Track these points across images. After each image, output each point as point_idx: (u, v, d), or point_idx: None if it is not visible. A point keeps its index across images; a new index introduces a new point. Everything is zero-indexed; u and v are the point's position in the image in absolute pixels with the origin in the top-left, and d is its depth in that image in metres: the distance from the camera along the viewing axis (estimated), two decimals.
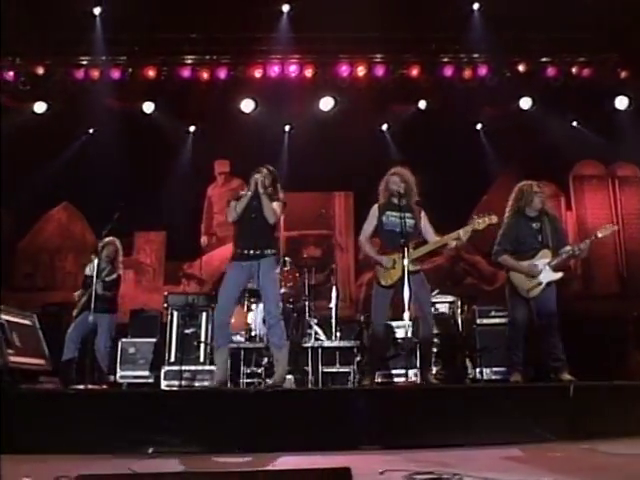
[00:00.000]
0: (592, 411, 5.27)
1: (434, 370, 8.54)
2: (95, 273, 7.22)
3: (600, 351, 9.17)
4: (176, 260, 10.70)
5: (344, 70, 11.00)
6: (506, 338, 6.84)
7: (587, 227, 10.96)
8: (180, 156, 10.88)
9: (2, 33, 10.50)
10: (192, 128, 11.33)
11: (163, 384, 7.65)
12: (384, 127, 11.64)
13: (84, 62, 11.00)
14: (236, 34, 10.79)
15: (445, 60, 11.13)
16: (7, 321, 7.05)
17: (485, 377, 8.41)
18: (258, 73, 10.98)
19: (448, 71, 11.07)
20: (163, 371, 7.69)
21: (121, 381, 8.28)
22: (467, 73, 11.07)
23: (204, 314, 7.99)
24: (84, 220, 11.18)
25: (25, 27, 10.40)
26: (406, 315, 5.81)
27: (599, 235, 6.45)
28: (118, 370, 8.48)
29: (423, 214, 6.42)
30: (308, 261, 9.14)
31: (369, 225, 6.41)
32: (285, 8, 10.73)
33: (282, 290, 8.41)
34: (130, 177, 10.58)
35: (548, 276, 6.43)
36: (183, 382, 7.38)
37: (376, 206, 6.43)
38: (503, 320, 8.64)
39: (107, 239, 7.87)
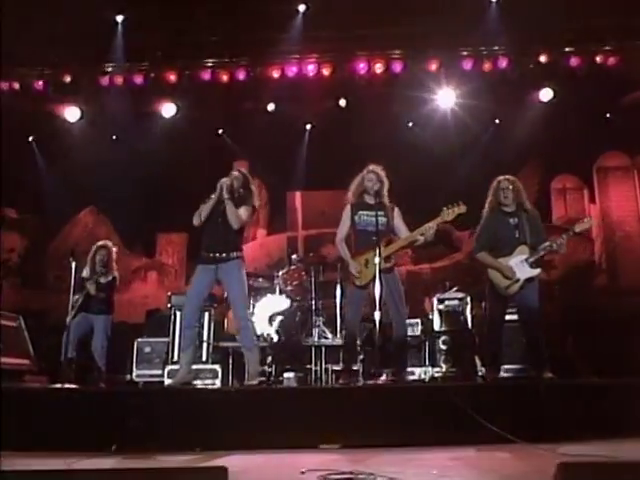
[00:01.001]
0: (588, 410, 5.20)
1: (444, 368, 8.55)
2: (88, 275, 7.49)
3: (626, 348, 8.98)
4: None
5: (362, 67, 10.98)
6: (484, 336, 6.75)
7: (612, 220, 10.69)
8: (201, 158, 11.03)
9: (27, 43, 10.99)
10: (213, 130, 11.45)
11: (167, 382, 7.81)
12: (410, 124, 11.55)
13: (109, 69, 11.30)
14: (253, 35, 10.91)
15: (464, 54, 10.99)
16: None
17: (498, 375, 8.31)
18: (276, 73, 11.06)
19: (467, 64, 10.93)
20: (167, 370, 7.85)
21: (137, 380, 8.53)
22: (487, 66, 10.91)
23: (206, 314, 8.12)
24: (109, 223, 11.50)
25: (51, 37, 10.78)
26: (377, 314, 5.81)
27: (577, 230, 6.34)
28: (134, 369, 8.74)
29: (396, 212, 6.44)
30: (315, 259, 9.18)
31: (343, 226, 6.47)
32: (301, 8, 10.82)
33: (288, 288, 8.52)
34: (152, 180, 10.84)
35: (526, 272, 6.33)
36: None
37: (349, 206, 6.47)
38: (515, 317, 8.56)
39: (100, 242, 8.12)
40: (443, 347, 8.54)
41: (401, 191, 10.44)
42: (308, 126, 11.50)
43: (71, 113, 11.48)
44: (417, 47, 10.97)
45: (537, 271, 6.37)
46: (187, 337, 6.20)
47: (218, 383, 7.69)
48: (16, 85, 11.45)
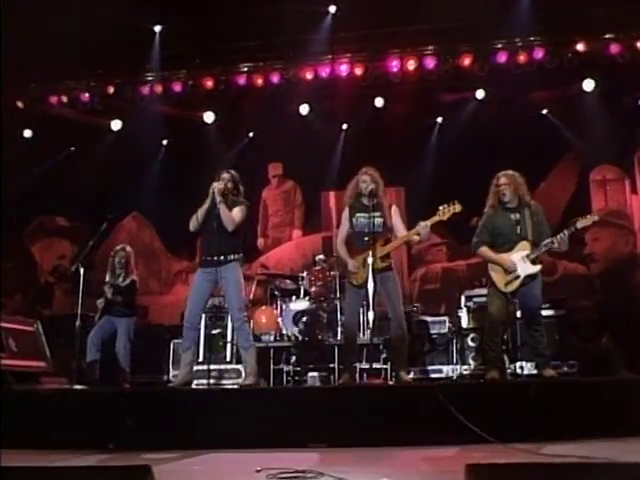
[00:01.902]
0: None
1: (472, 365, 8.47)
2: (108, 280, 7.76)
3: None
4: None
5: (394, 65, 10.96)
6: (483, 333, 6.68)
7: None
8: (237, 161, 11.23)
9: (73, 58, 11.45)
10: (250, 133, 11.64)
11: (193, 383, 8.00)
12: (439, 120, 11.46)
13: (149, 78, 11.64)
14: (286, 39, 11.04)
15: (498, 46, 10.83)
16: (3, 327, 7.65)
17: (526, 372, 8.21)
18: (310, 75, 11.17)
19: (502, 57, 10.76)
20: (178, 373, 8.03)
21: (172, 380, 8.78)
22: (522, 58, 10.71)
23: (229, 315, 8.24)
24: (152, 228, 11.84)
25: (93, 50, 11.19)
26: (371, 314, 5.86)
27: (579, 226, 6.20)
28: (170, 370, 9.01)
29: (394, 211, 6.47)
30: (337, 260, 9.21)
31: (342, 228, 6.58)
32: (332, 9, 10.89)
33: (313, 289, 8.61)
34: (192, 184, 11.07)
35: (526, 269, 6.22)
36: (211, 380, 7.70)
37: (347, 209, 6.55)
38: (546, 313, 8.42)
39: (118, 246, 8.36)
40: (472, 344, 8.47)
41: (438, 186, 10.56)
42: (344, 126, 11.50)
43: (115, 122, 11.84)
44: (450, 42, 10.90)
45: (538, 268, 6.26)
46: (188, 338, 6.38)
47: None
48: (64, 98, 11.94)
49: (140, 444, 5.13)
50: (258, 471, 3.73)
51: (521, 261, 6.21)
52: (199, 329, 6.85)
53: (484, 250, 6.42)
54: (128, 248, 8.40)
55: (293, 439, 4.98)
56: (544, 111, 10.97)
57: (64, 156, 12.06)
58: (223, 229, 6.16)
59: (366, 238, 6.23)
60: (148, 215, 11.89)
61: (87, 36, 10.64)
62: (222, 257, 6.17)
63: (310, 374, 7.93)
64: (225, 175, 6.44)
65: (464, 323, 8.57)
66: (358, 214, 6.40)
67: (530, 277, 6.23)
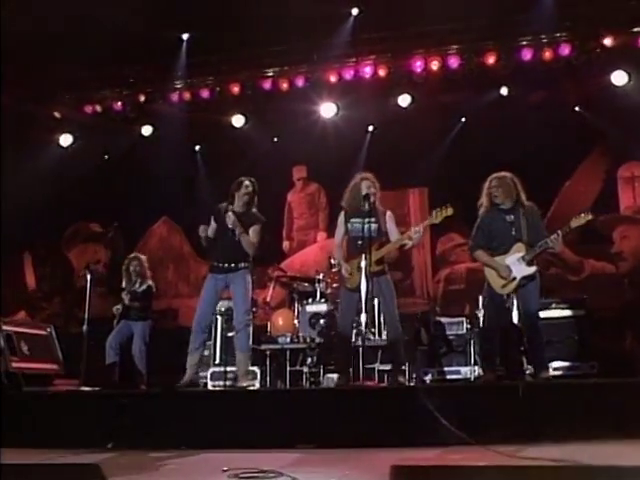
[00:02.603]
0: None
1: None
2: (124, 287, 8.02)
3: None
4: (263, 265, 11.20)
5: (418, 65, 10.94)
6: (478, 336, 6.64)
7: None
8: (263, 164, 11.34)
9: (106, 68, 11.79)
10: (274, 136, 11.75)
11: (209, 384, 8.19)
12: (463, 119, 11.36)
13: (178, 85, 11.88)
14: (310, 42, 11.13)
15: (523, 43, 10.70)
16: (15, 332, 7.92)
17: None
18: (334, 77, 11.23)
19: (527, 55, 10.63)
20: (209, 372, 8.22)
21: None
22: (548, 54, 10.56)
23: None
24: (182, 232, 12.06)
25: (124, 59, 11.50)
26: (363, 317, 5.91)
27: (572, 225, 6.13)
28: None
29: (389, 216, 6.56)
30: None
31: (338, 233, 6.69)
32: (354, 11, 10.94)
33: (328, 291, 8.69)
34: (219, 188, 11.27)
35: (522, 271, 6.17)
36: (227, 382, 7.83)
37: (342, 214, 6.65)
38: (565, 313, 8.33)
39: (132, 255, 8.61)
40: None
41: (461, 186, 10.47)
42: (370, 127, 11.52)
43: (146, 129, 12.11)
44: (473, 41, 10.83)
45: (533, 269, 6.21)
46: (197, 340, 6.67)
47: (257, 384, 7.95)
48: (98, 107, 12.28)
49: (141, 444, 5.31)
50: (225, 471, 3.83)
51: (517, 263, 6.18)
52: (208, 332, 7.04)
53: (480, 254, 6.42)
54: (141, 256, 8.77)
55: (283, 439, 5.07)
56: (572, 108, 10.69)
57: (98, 163, 12.30)
58: (234, 238, 6.48)
59: (360, 242, 6.26)
60: (178, 220, 12.12)
61: (118, 46, 11.00)
62: (233, 264, 6.51)
63: (328, 375, 7.99)
64: (242, 191, 6.84)
65: (482, 324, 8.47)
66: (353, 219, 6.49)
67: (526, 278, 6.19)
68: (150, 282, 8.57)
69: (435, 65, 10.85)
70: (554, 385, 5.82)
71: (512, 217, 6.25)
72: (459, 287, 10.48)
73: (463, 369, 8.41)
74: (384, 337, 8.50)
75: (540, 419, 5.01)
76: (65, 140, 12.55)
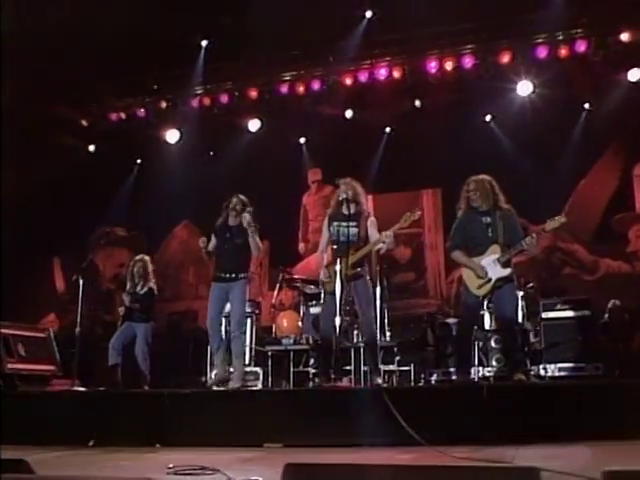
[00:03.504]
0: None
1: (496, 367, 8.35)
2: (127, 289, 8.27)
3: None
4: (279, 267, 11.33)
5: (433, 66, 10.93)
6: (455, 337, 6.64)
7: None
8: (280, 168, 11.48)
9: (129, 76, 12.08)
10: (290, 141, 11.87)
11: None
12: (487, 118, 11.28)
13: (198, 91, 12.11)
14: (325, 46, 11.23)
15: (538, 41, 10.59)
16: (12, 335, 8.21)
17: (549, 374, 8.04)
18: (349, 80, 11.30)
19: (542, 52, 10.53)
20: (213, 373, 8.35)
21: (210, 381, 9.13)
22: (564, 52, 10.44)
23: (249, 319, 8.49)
24: (201, 236, 12.20)
25: (146, 67, 11.78)
26: (337, 320, 5.97)
27: (547, 228, 6.11)
28: (208, 372, 9.35)
29: (370, 221, 6.58)
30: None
31: (323, 237, 6.79)
32: (368, 14, 10.99)
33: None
34: (238, 190, 11.45)
35: (497, 272, 6.13)
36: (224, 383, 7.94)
37: (326, 218, 6.76)
38: (571, 314, 8.24)
39: (137, 257, 8.80)
40: (495, 346, 8.34)
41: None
42: (387, 129, 11.54)
43: (171, 135, 12.35)
44: (488, 40, 10.77)
45: (508, 271, 6.16)
46: (214, 341, 7.14)
47: (259, 385, 8.09)
48: (122, 115, 12.60)
49: (123, 442, 5.50)
50: (169, 468, 4.00)
51: (492, 264, 6.13)
52: (221, 331, 7.39)
53: (457, 254, 6.39)
54: (146, 258, 8.86)
55: (254, 438, 5.20)
56: (586, 105, 10.55)
57: (123, 169, 12.62)
58: (236, 251, 6.97)
59: (343, 246, 6.37)
60: (198, 223, 12.31)
61: (139, 53, 11.28)
62: (233, 275, 6.94)
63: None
64: (234, 202, 7.28)
65: (487, 325, 8.44)
66: (335, 223, 6.57)
67: (502, 280, 6.15)
68: (152, 284, 8.70)
69: (449, 65, 10.83)
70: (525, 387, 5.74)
71: (489, 219, 6.21)
72: None
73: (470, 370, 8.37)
74: (387, 338, 8.57)
75: (506, 420, 4.97)
76: (92, 147, 12.88)
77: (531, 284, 9.55)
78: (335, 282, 6.25)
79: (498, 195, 6.28)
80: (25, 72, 11.14)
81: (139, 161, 12.81)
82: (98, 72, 11.66)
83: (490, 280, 6.14)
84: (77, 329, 8.17)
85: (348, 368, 7.88)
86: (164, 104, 12.30)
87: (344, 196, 6.50)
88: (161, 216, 12.04)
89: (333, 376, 6.43)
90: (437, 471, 2.81)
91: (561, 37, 10.55)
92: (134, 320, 8.40)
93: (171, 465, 4.02)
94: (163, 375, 9.33)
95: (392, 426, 4.88)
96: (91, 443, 5.44)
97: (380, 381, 6.38)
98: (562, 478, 3.22)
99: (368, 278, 6.64)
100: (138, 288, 8.56)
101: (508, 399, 5.07)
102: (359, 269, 6.45)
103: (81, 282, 8.14)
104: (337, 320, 6.03)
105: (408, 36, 11.03)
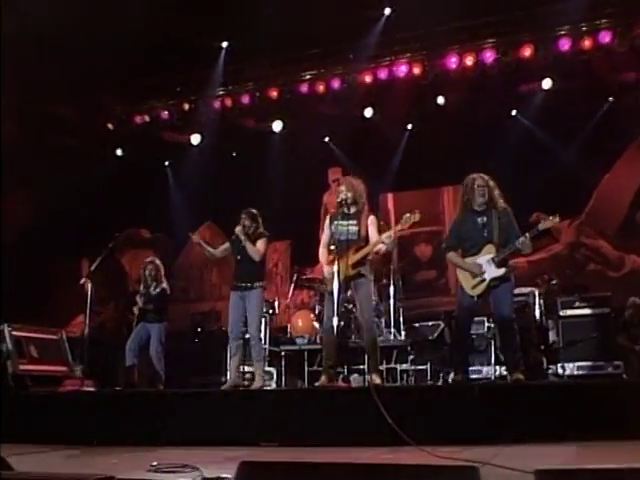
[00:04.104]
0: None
1: None
2: (141, 290, 8.40)
3: None
4: (300, 266, 11.30)
5: (453, 62, 10.77)
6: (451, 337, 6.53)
7: None
8: (300, 167, 11.46)
9: (152, 79, 12.21)
10: (311, 140, 11.81)
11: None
12: (509, 113, 11.09)
13: (220, 92, 12.15)
14: (344, 44, 11.17)
15: (561, 33, 10.35)
16: (25, 337, 8.35)
17: (568, 372, 7.86)
18: (369, 78, 11.21)
19: (565, 45, 10.29)
20: (228, 377, 8.37)
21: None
22: (587, 43, 10.19)
23: (262, 320, 8.49)
24: (224, 237, 12.24)
25: (168, 68, 11.88)
26: (334, 320, 5.93)
27: (540, 228, 5.99)
28: (227, 372, 9.36)
29: (371, 220, 6.51)
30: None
31: (325, 236, 6.70)
32: (387, 11, 10.90)
33: (349, 293, 8.67)
34: (260, 192, 11.48)
35: (491, 272, 6.03)
36: (245, 382, 7.96)
37: (328, 216, 6.73)
38: (589, 311, 8.05)
39: (147, 259, 8.86)
40: None
41: (509, 181, 10.24)
42: (409, 126, 11.42)
43: (194, 137, 12.42)
44: (509, 33, 10.58)
45: (503, 270, 6.06)
46: (233, 347, 7.33)
47: (273, 384, 8.08)
48: (146, 117, 12.73)
49: (128, 441, 5.54)
50: (152, 465, 4.06)
51: (486, 264, 6.06)
52: (242, 338, 7.45)
53: (452, 255, 6.39)
54: (157, 261, 8.97)
55: (250, 437, 5.19)
56: (610, 98, 10.28)
57: (148, 171, 12.73)
58: (248, 260, 7.22)
59: (333, 246, 6.39)
60: (221, 224, 12.35)
61: (163, 56, 11.39)
62: (249, 284, 7.20)
63: (352, 376, 8.08)
64: (243, 216, 7.46)
65: None
66: (336, 222, 6.52)
67: (497, 280, 6.06)
68: (165, 285, 8.78)
69: (470, 60, 10.65)
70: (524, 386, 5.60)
71: (484, 219, 6.15)
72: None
73: (485, 368, 8.24)
74: (402, 337, 8.48)
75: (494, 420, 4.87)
76: (119, 150, 13.02)
77: (554, 281, 9.38)
78: (333, 282, 6.21)
79: (494, 193, 6.16)
80: (51, 77, 11.37)
81: (163, 163, 12.86)
82: (122, 76, 11.82)
83: (484, 280, 6.06)
84: (85, 331, 8.28)
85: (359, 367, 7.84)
86: (187, 106, 12.38)
87: (343, 196, 6.47)
88: (184, 217, 12.11)
89: (333, 376, 6.38)
90: (382, 469, 2.76)
91: (585, 28, 10.30)
92: (148, 321, 8.49)
93: (155, 463, 4.08)
94: (185, 375, 9.42)
95: (389, 426, 4.81)
96: (95, 442, 5.49)
97: (379, 381, 6.28)
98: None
99: (370, 278, 6.61)
100: (151, 289, 8.64)
101: (501, 398, 4.95)
102: (360, 269, 6.39)
103: (89, 286, 8.15)
104: (334, 320, 5.99)
105: (427, 32, 10.91)
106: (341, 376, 8.16)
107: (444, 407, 5.01)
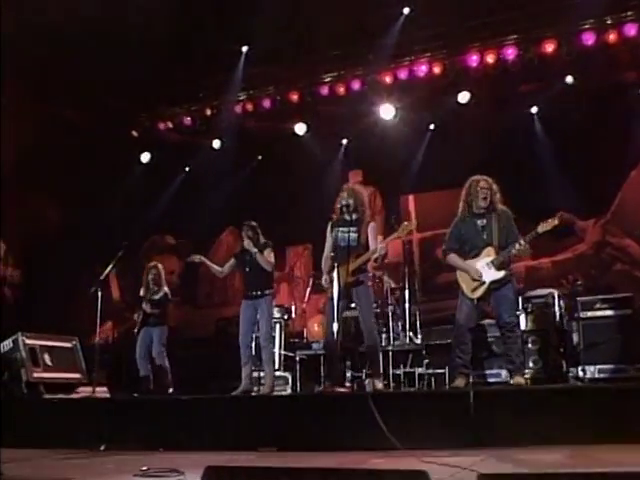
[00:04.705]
0: None
1: (533, 369, 7.99)
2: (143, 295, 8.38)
3: None
4: (319, 270, 11.19)
5: (474, 60, 10.58)
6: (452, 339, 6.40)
7: None
8: (322, 170, 11.38)
9: (175, 85, 12.26)
10: (332, 143, 11.72)
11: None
12: (532, 110, 10.83)
13: (241, 97, 12.14)
14: (363, 45, 11.06)
15: (585, 27, 10.08)
16: (39, 345, 8.51)
17: (589, 376, 7.61)
18: (389, 78, 11.08)
19: (589, 39, 10.02)
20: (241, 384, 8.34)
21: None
22: (612, 37, 9.90)
23: (277, 325, 8.58)
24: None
25: (191, 76, 11.91)
26: (334, 325, 5.90)
27: (539, 230, 5.89)
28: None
29: (371, 227, 6.53)
30: (386, 266, 9.17)
31: (327, 243, 6.75)
32: (406, 10, 10.76)
33: None
34: (283, 195, 11.46)
35: (490, 275, 6.00)
36: (255, 388, 7.89)
37: (330, 223, 6.73)
38: (611, 312, 7.79)
39: (150, 264, 8.87)
40: (532, 347, 7.97)
41: (532, 180, 10.03)
42: (432, 126, 11.24)
43: (217, 142, 12.42)
44: (531, 29, 10.34)
45: (502, 273, 6.01)
46: (244, 355, 7.51)
47: (289, 389, 8.02)
48: (169, 124, 12.79)
49: (136, 445, 5.58)
50: (142, 470, 4.13)
51: (486, 267, 6.04)
52: (252, 347, 7.67)
53: (452, 257, 6.34)
54: (159, 265, 9.11)
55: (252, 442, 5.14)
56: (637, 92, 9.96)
57: (171, 177, 12.79)
58: (257, 270, 7.45)
59: (344, 252, 6.37)
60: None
61: (184, 62, 11.44)
62: (259, 292, 7.45)
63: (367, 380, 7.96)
64: (245, 229, 7.68)
65: (522, 326, 8.06)
66: (337, 228, 6.57)
67: (497, 282, 6.04)
68: (166, 289, 8.92)
69: (491, 58, 10.45)
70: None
71: (484, 221, 6.14)
72: (518, 287, 9.91)
73: (504, 372, 8.02)
74: (418, 341, 8.34)
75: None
76: (144, 157, 13.10)
77: (579, 282, 9.15)
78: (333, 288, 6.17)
79: (495, 196, 6.12)
80: (76, 85, 11.52)
81: (187, 168, 12.89)
82: (147, 83, 11.89)
83: (484, 283, 6.03)
84: (96, 339, 8.31)
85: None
86: (209, 111, 12.41)
87: (344, 202, 6.50)
88: (208, 222, 12.11)
89: (335, 381, 6.35)
90: (336, 473, 2.84)
91: (609, 21, 10.02)
92: (150, 325, 8.60)
93: (145, 467, 4.16)
94: (204, 379, 9.41)
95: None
96: (102, 447, 5.62)
97: (381, 386, 6.23)
98: None
99: (369, 284, 6.68)
100: (154, 294, 8.67)
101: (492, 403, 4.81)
102: (360, 276, 6.41)
103: (99, 294, 8.20)
104: (334, 326, 5.94)
105: (447, 30, 10.77)
106: (356, 380, 8.10)
107: (441, 412, 4.86)
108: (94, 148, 12.40)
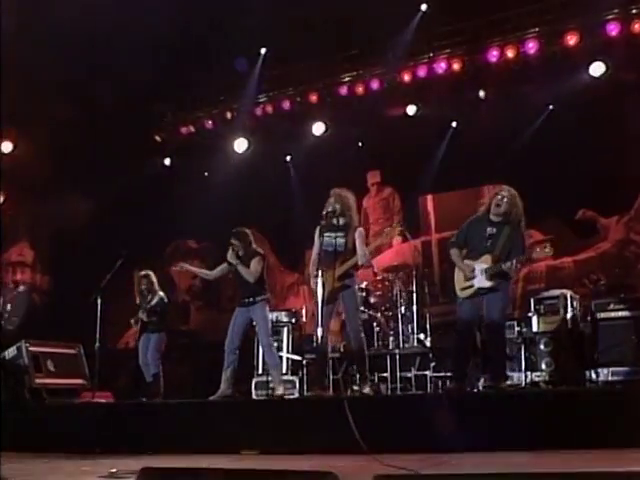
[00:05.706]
0: None
1: (545, 372, 7.72)
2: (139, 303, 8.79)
3: None
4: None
5: (494, 55, 10.29)
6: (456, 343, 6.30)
7: None
8: (340, 170, 11.20)
9: (196, 89, 12.29)
10: (351, 143, 11.52)
11: (254, 394, 8.34)
12: (555, 105, 10.45)
13: (261, 99, 12.09)
14: (381, 44, 10.90)
15: (609, 17, 9.71)
16: (42, 352, 8.60)
17: (602, 378, 7.29)
18: (408, 77, 10.87)
19: (613, 30, 9.65)
20: (253, 382, 8.37)
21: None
22: (638, 27, 9.51)
23: (285, 329, 8.69)
24: (266, 243, 12.10)
25: (210, 78, 11.90)
26: (319, 330, 6.07)
27: (533, 256, 6.10)
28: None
29: (358, 233, 6.53)
30: (391, 269, 8.98)
31: (315, 247, 6.72)
32: (423, 7, 10.57)
33: (372, 300, 8.47)
34: (303, 198, 11.34)
35: (481, 281, 6.07)
36: (269, 392, 7.79)
37: (318, 228, 6.66)
38: (625, 314, 7.45)
39: (141, 273, 8.89)
40: (545, 349, 7.68)
41: (555, 177, 9.69)
42: (453, 124, 10.97)
43: (238, 144, 12.35)
44: (553, 21, 10.02)
45: (490, 283, 6.04)
46: (227, 360, 7.45)
47: (296, 393, 7.91)
48: (192, 128, 12.81)
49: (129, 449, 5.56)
50: (112, 472, 4.26)
51: (479, 273, 6.12)
52: (237, 353, 7.55)
53: (453, 252, 6.46)
54: (150, 273, 9.14)
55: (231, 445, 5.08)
56: None
57: (195, 182, 12.77)
58: (244, 279, 7.43)
59: (330, 257, 6.38)
60: (263, 231, 12.21)
61: (205, 66, 11.45)
62: (251, 299, 7.43)
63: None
64: (232, 238, 7.67)
65: (535, 327, 7.78)
66: (325, 233, 6.53)
67: (485, 290, 6.08)
68: (161, 294, 8.93)
69: (511, 52, 10.16)
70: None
71: (494, 230, 6.16)
72: (539, 286, 9.57)
73: (516, 375, 7.79)
74: (428, 343, 8.13)
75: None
76: (167, 161, 13.14)
77: (603, 281, 8.83)
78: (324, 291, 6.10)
79: (515, 209, 6.12)
80: (99, 91, 11.58)
81: (207, 173, 12.86)
82: (168, 87, 11.94)
83: (473, 286, 6.11)
84: (96, 345, 8.29)
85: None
86: (229, 114, 12.39)
87: (330, 208, 6.48)
88: (229, 225, 11.98)
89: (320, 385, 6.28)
90: (252, 474, 2.91)
91: (634, 11, 9.64)
92: (149, 331, 8.70)
93: (114, 470, 4.31)
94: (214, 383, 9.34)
95: (375, 435, 4.60)
96: (98, 450, 5.71)
97: (368, 390, 6.11)
98: None
99: (356, 287, 6.70)
100: (149, 302, 8.78)
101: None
102: (346, 280, 6.41)
103: (99, 302, 8.23)
104: (319, 331, 5.90)
105: (465, 26, 10.56)
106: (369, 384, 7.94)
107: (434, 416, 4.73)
108: (119, 154, 12.47)
